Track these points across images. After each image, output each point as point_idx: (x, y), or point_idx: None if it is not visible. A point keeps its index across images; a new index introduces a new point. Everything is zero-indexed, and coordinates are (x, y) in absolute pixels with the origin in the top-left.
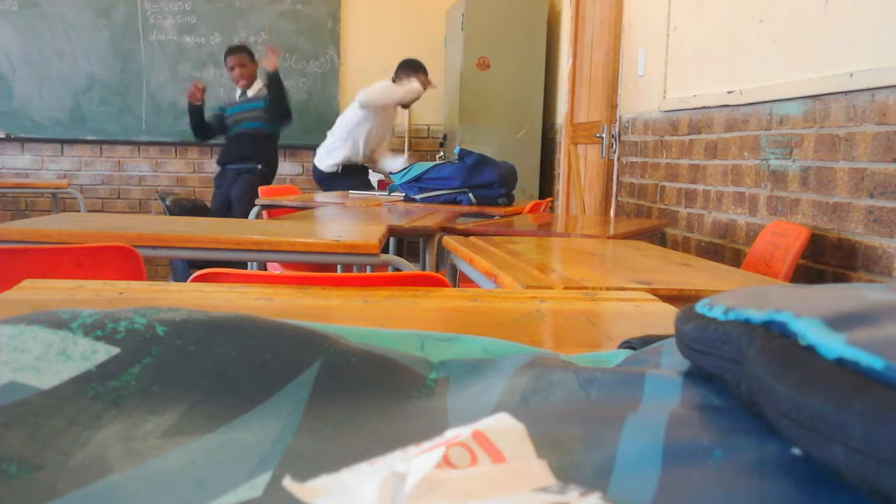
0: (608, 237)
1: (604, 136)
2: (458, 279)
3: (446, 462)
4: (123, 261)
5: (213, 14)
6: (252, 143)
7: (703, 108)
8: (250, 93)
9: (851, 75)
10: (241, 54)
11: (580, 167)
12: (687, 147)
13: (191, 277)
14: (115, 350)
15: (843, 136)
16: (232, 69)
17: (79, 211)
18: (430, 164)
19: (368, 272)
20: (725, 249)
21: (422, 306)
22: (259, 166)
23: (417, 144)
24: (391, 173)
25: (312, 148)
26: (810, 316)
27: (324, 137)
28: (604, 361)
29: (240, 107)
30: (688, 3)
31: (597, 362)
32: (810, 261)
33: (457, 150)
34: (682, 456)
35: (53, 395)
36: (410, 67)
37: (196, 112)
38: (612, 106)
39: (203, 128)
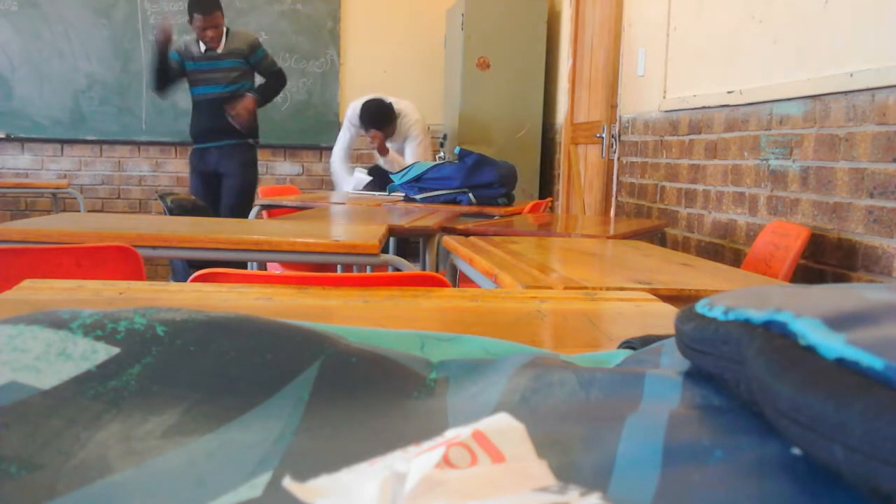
0: (608, 237)
1: (604, 136)
2: (458, 279)
3: (446, 462)
4: (123, 261)
5: None
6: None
7: (703, 108)
8: (220, 49)
9: (851, 75)
10: (214, 13)
11: (580, 167)
12: (687, 147)
13: (191, 277)
14: (115, 350)
15: (843, 136)
16: (203, 30)
17: (79, 211)
18: (430, 164)
19: (368, 272)
20: (725, 249)
21: (422, 306)
22: (249, 140)
23: None
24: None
25: (312, 148)
26: (810, 316)
27: (323, 138)
28: (604, 361)
29: (207, 64)
30: (688, 3)
31: (597, 362)
32: (810, 261)
33: (457, 150)
34: (682, 456)
35: (53, 395)
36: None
37: (163, 58)
38: (612, 106)
39: (168, 76)
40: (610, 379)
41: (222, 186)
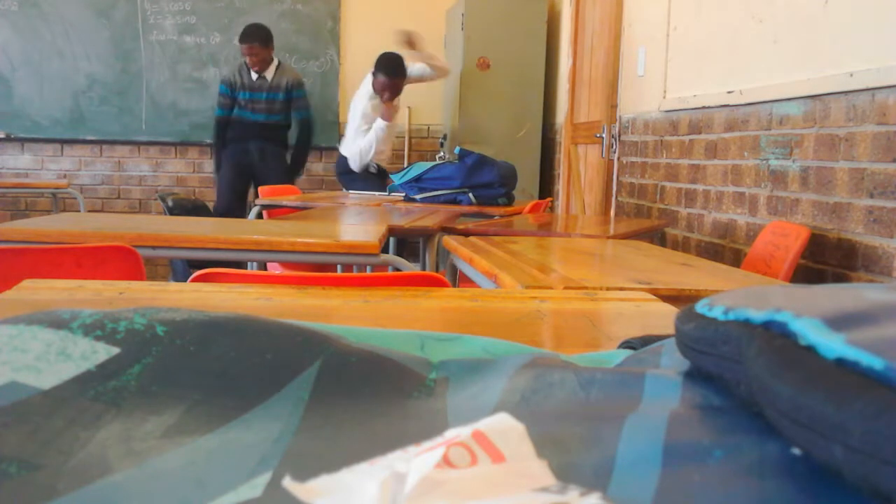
0: (608, 237)
1: (604, 136)
2: (458, 279)
3: (446, 462)
4: (123, 261)
5: (213, 14)
6: (275, 133)
7: (703, 108)
8: (269, 76)
9: (851, 75)
10: (251, 44)
11: (580, 167)
12: (687, 147)
13: (191, 277)
14: (115, 350)
15: (843, 136)
16: (245, 55)
17: (79, 211)
18: (430, 164)
19: (368, 272)
20: (725, 249)
21: (422, 306)
22: (281, 149)
23: (417, 144)
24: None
25: (313, 148)
26: (810, 316)
27: (323, 138)
28: (604, 361)
29: (258, 94)
30: (688, 3)
31: (597, 362)
32: (810, 261)
33: (457, 150)
34: (682, 456)
35: (53, 395)
36: (378, 67)
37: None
38: (612, 106)
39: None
40: (610, 379)
41: (255, 186)
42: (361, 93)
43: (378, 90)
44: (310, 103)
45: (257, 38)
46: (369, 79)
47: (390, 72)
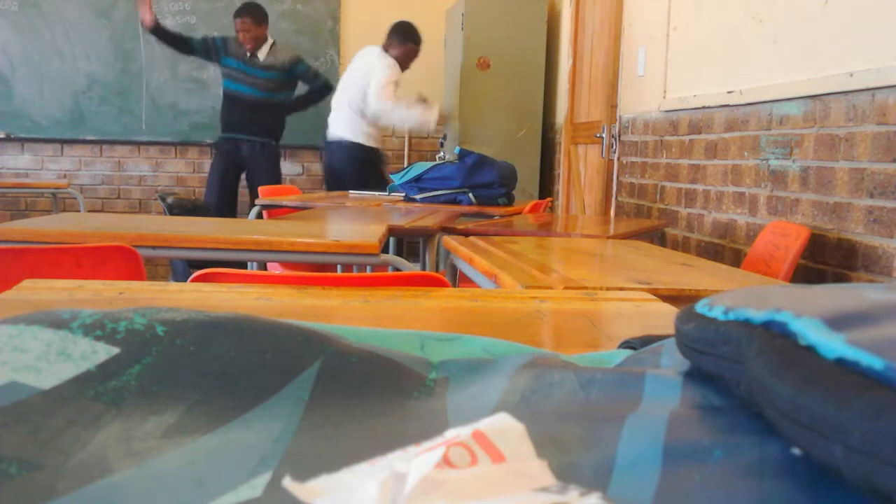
0: (608, 237)
1: (604, 136)
2: (458, 279)
3: (446, 462)
4: (123, 261)
5: (213, 14)
6: (268, 114)
7: (703, 108)
8: (261, 55)
9: (851, 75)
10: (244, 18)
11: (580, 167)
12: (687, 147)
13: (191, 277)
14: (115, 350)
15: (843, 136)
16: (237, 31)
17: (79, 211)
18: (430, 164)
19: (368, 272)
20: (725, 249)
21: (422, 306)
22: (273, 142)
23: (417, 144)
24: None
25: (312, 148)
26: (810, 316)
27: (323, 137)
28: (604, 361)
29: (249, 69)
30: (688, 3)
31: (597, 362)
32: (810, 261)
33: (457, 150)
34: (682, 456)
35: (53, 395)
36: (398, 36)
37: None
38: (612, 106)
39: (175, 43)
40: (610, 379)
41: (247, 181)
42: (384, 63)
43: (397, 58)
44: (317, 71)
45: (249, 13)
46: (383, 62)
47: (405, 38)
